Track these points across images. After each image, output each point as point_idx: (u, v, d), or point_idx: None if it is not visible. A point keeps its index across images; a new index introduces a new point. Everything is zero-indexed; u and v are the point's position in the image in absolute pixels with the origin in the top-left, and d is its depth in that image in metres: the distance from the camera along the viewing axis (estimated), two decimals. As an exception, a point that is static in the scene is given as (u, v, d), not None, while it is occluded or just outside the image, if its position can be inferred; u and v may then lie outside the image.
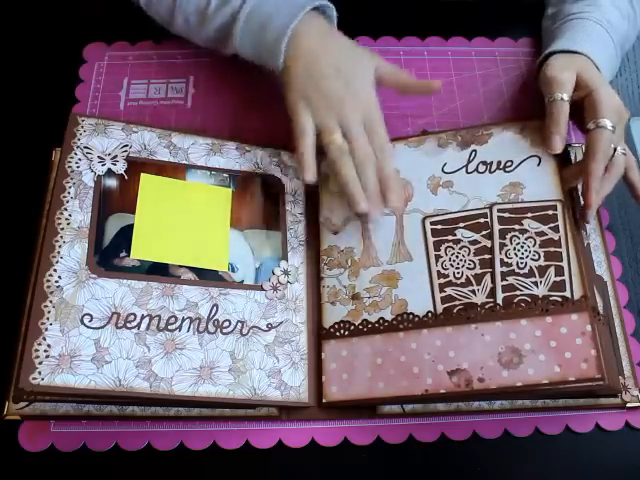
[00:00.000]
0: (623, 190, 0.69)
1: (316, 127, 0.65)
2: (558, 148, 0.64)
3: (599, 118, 0.63)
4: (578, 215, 0.63)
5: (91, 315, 0.57)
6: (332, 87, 0.65)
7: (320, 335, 0.64)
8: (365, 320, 0.63)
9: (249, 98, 0.78)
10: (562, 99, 0.64)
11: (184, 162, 0.67)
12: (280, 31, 0.66)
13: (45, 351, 0.54)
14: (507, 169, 0.66)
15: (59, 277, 0.57)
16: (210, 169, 0.67)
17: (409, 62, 0.81)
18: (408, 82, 0.69)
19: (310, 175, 0.64)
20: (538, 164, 0.65)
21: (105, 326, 0.57)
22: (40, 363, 0.54)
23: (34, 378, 0.53)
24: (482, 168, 0.66)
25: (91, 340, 0.56)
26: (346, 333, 0.63)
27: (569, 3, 0.76)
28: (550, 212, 0.62)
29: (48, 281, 0.57)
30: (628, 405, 0.62)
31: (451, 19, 0.85)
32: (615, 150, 0.63)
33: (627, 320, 0.66)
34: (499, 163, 0.66)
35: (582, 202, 0.62)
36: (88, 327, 0.56)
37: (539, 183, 0.64)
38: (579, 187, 0.65)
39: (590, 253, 0.66)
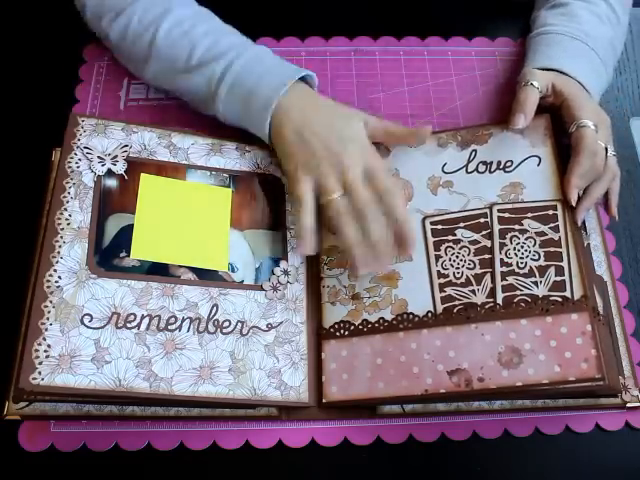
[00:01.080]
0: (623, 190, 0.69)
1: (317, 190, 0.62)
2: (518, 124, 0.64)
3: (579, 119, 0.63)
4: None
5: (91, 315, 0.57)
6: (326, 144, 0.62)
7: (320, 335, 0.64)
8: (365, 320, 0.63)
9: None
10: (532, 84, 0.65)
11: (184, 162, 0.67)
12: (264, 105, 0.64)
13: (45, 351, 0.54)
14: (507, 169, 0.66)
15: (59, 277, 0.57)
16: (210, 169, 0.67)
17: (409, 62, 0.81)
18: (396, 130, 0.68)
19: (308, 250, 0.62)
20: (538, 164, 0.65)
21: (105, 326, 0.57)
22: (40, 363, 0.54)
23: (34, 378, 0.53)
24: (482, 168, 0.66)
25: (91, 340, 0.56)
26: (346, 333, 0.63)
27: (545, 9, 0.76)
28: (550, 212, 0.62)
29: (48, 281, 0.57)
30: (628, 405, 0.62)
31: (451, 19, 0.85)
32: (606, 150, 0.64)
33: (627, 320, 0.66)
34: (499, 163, 0.66)
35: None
36: (88, 327, 0.56)
37: (539, 183, 0.64)
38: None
39: (590, 253, 0.66)
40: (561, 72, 0.68)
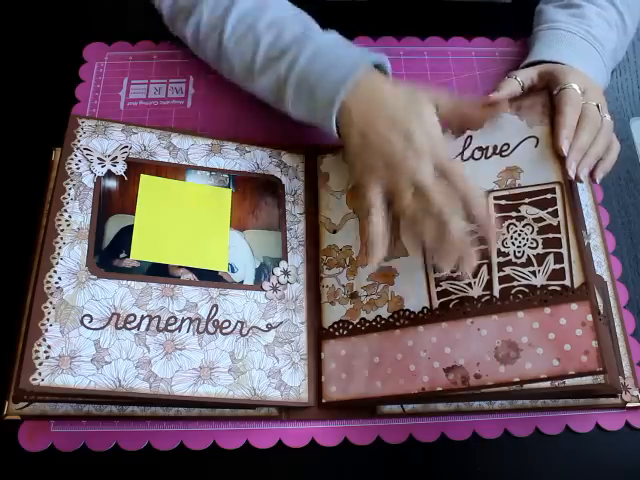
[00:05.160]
0: (623, 190, 0.69)
1: (388, 194, 0.60)
2: (490, 96, 0.64)
3: (563, 84, 0.62)
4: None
5: (91, 316, 0.57)
6: (392, 147, 0.59)
7: (320, 335, 0.64)
8: (363, 319, 0.62)
9: (249, 98, 0.77)
10: (514, 78, 0.66)
11: (184, 163, 0.67)
12: (327, 104, 0.62)
13: (45, 352, 0.54)
14: (503, 153, 0.63)
15: (59, 278, 0.57)
16: (210, 170, 0.67)
17: (409, 62, 0.81)
18: (469, 108, 0.64)
19: (376, 260, 0.59)
20: (536, 145, 0.62)
21: (105, 327, 0.57)
22: (40, 364, 0.54)
23: (34, 379, 0.53)
24: (478, 154, 0.64)
25: (91, 341, 0.56)
26: (345, 332, 0.63)
27: (554, 6, 0.75)
28: (549, 196, 0.60)
29: (48, 282, 0.57)
30: (628, 405, 0.62)
31: (451, 19, 0.85)
32: (598, 107, 0.63)
33: (627, 320, 0.66)
34: (495, 147, 0.64)
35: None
36: (88, 328, 0.56)
37: (537, 165, 0.61)
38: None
39: (590, 253, 0.65)
40: (563, 64, 0.67)
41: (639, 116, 0.79)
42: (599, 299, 0.59)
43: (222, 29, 0.68)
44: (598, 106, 0.63)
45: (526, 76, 0.67)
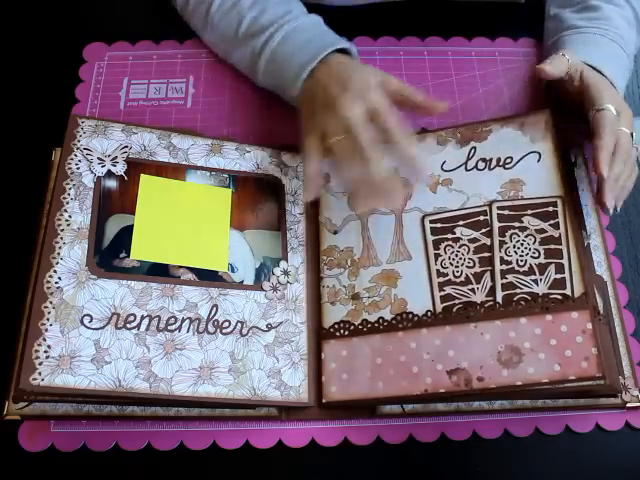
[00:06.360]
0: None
1: (323, 139, 0.62)
2: (542, 68, 0.65)
3: (600, 104, 0.62)
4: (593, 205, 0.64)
5: (91, 316, 0.57)
6: (327, 92, 0.63)
7: (320, 335, 0.64)
8: (365, 320, 0.63)
9: (249, 98, 0.78)
10: (564, 55, 0.66)
11: (184, 163, 0.67)
12: (294, 77, 0.67)
13: (45, 352, 0.54)
14: (507, 166, 0.65)
15: (59, 278, 0.57)
16: (210, 170, 0.67)
17: (409, 62, 0.81)
18: (413, 96, 0.65)
19: (308, 197, 0.64)
20: (538, 160, 0.64)
21: (105, 327, 0.57)
22: (40, 364, 0.54)
23: (34, 379, 0.53)
24: (481, 165, 0.66)
25: (91, 341, 0.56)
26: (346, 333, 0.63)
27: (572, 11, 0.74)
28: (550, 209, 0.62)
29: (48, 282, 0.57)
30: (628, 405, 0.62)
31: (451, 19, 0.85)
32: (632, 136, 0.63)
33: (627, 320, 0.66)
34: (499, 160, 0.66)
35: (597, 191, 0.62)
36: (88, 328, 0.56)
37: (539, 179, 0.63)
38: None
39: (590, 253, 0.66)
40: (598, 71, 0.67)
41: (639, 116, 0.79)
42: (599, 299, 0.60)
43: (210, 2, 0.73)
44: (632, 135, 0.63)
45: (574, 60, 0.66)
